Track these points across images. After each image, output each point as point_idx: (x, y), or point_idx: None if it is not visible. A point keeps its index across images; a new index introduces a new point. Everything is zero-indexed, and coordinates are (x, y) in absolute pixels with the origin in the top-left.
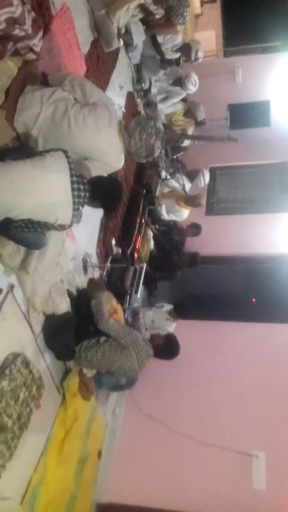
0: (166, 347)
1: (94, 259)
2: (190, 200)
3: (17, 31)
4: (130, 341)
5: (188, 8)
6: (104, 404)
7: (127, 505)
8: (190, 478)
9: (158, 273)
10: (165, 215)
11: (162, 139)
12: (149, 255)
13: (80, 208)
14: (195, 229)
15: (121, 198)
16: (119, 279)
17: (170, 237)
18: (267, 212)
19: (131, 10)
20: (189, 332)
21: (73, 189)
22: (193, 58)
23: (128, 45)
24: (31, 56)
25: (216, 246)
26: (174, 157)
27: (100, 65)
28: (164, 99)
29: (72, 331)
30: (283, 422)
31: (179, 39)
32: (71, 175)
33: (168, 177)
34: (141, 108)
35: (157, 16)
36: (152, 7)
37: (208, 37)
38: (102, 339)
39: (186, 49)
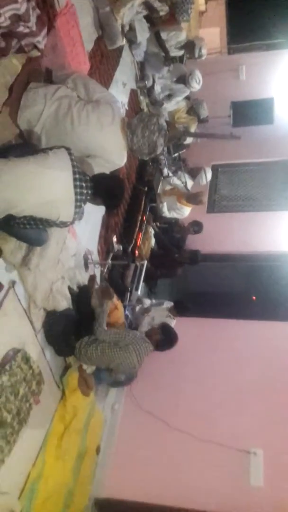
0: (165, 339)
1: (95, 256)
2: (191, 198)
3: (21, 28)
4: (129, 341)
5: (193, 5)
6: (103, 400)
7: (125, 500)
8: (188, 474)
9: (158, 271)
10: (166, 213)
11: (164, 136)
12: (150, 252)
13: (82, 205)
14: (197, 226)
15: (123, 196)
16: (120, 276)
17: (171, 234)
18: (269, 210)
19: (136, 7)
20: (189, 330)
21: (75, 186)
22: (196, 55)
23: (132, 42)
24: (35, 53)
25: (217, 243)
26: (176, 154)
27: (103, 62)
28: (168, 97)
29: (72, 328)
30: (281, 420)
31: (183, 36)
32: (74, 172)
33: (170, 174)
34: (144, 105)
35: (162, 13)
36: (157, 4)
37: (212, 34)
38: None
39: (190, 46)
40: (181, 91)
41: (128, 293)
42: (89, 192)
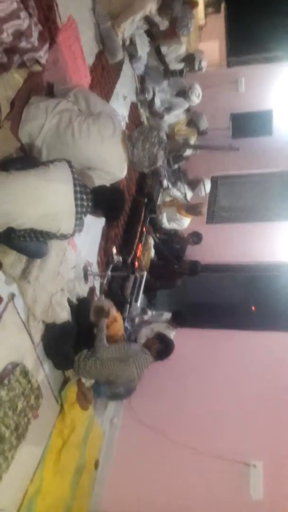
0: (164, 348)
1: (95, 268)
2: (191, 209)
3: (23, 44)
4: (129, 354)
5: (193, 20)
6: (102, 414)
7: None
8: (187, 488)
9: (158, 282)
10: (166, 224)
11: (165, 149)
12: (149, 263)
13: (83, 217)
14: (196, 237)
15: (123, 208)
16: (120, 287)
17: (171, 245)
18: (268, 220)
19: (136, 22)
20: (188, 341)
21: (76, 199)
22: (196, 68)
23: (133, 56)
24: (36, 68)
25: (216, 254)
26: (176, 166)
27: (104, 76)
28: (168, 110)
29: (71, 340)
30: (281, 432)
31: (182, 50)
32: (75, 185)
33: (170, 186)
34: (144, 118)
35: (162, 28)
36: (157, 19)
37: (211, 47)
38: None
39: (189, 59)
40: (181, 104)
41: (128, 305)
42: (90, 204)
